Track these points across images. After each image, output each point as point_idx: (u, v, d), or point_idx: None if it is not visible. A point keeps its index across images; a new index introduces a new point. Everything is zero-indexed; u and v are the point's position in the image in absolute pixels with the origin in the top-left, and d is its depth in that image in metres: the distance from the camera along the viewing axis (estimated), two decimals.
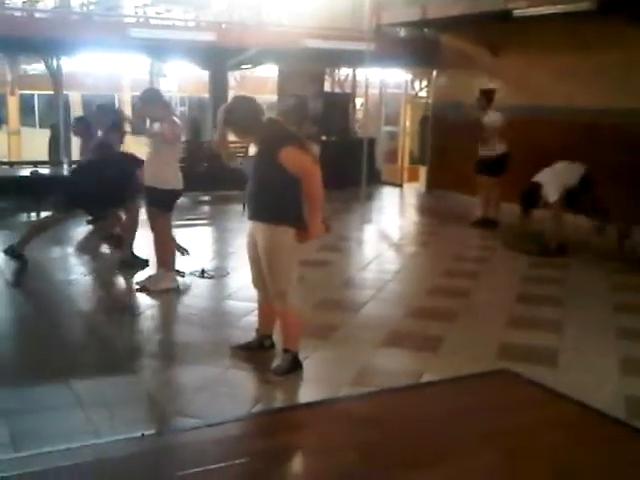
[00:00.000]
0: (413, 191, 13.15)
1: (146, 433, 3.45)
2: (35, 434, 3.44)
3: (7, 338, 5.06)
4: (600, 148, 8.91)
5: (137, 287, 6.16)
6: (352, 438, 3.33)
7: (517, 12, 9.16)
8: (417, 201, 12.49)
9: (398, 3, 11.26)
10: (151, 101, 6.01)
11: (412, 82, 14.78)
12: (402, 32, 12.82)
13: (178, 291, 6.09)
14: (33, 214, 9.24)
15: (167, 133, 5.79)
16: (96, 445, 3.31)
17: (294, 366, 4.33)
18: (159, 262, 6.19)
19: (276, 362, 4.40)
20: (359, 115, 14.62)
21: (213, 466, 3.02)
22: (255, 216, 4.33)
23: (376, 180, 13.23)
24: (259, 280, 4.46)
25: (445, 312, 5.75)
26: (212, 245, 8.57)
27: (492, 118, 9.18)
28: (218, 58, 11.33)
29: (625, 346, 5.01)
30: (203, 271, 6.60)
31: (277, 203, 4.24)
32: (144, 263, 6.75)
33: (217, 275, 6.59)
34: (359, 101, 15.66)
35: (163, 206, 6.01)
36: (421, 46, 12.12)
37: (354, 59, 11.84)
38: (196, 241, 7.74)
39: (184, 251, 6.63)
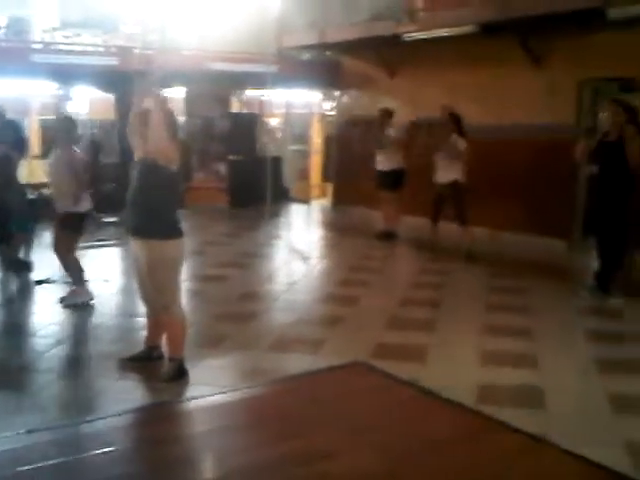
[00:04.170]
0: (320, 207, 13.57)
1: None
2: None
3: None
4: (487, 161, 9.56)
5: (59, 302, 6.35)
6: (218, 427, 3.63)
7: (407, 36, 9.74)
8: (322, 216, 12.90)
9: (299, 27, 11.71)
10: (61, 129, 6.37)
11: (322, 101, 15.29)
12: (306, 55, 13.29)
13: (91, 305, 6.34)
14: None
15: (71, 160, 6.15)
16: None
17: (180, 373, 4.60)
18: (72, 280, 6.43)
19: (163, 370, 4.66)
20: (268, 135, 14.98)
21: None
22: (140, 233, 4.58)
23: (284, 197, 13.60)
24: (146, 293, 4.72)
25: (332, 318, 6.14)
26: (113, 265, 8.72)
27: (392, 134, 9.75)
28: (123, 82, 11.49)
29: (489, 341, 5.49)
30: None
31: (159, 218, 4.52)
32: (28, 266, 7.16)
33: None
34: (275, 121, 16.11)
35: (73, 229, 6.26)
36: (322, 68, 12.62)
37: (259, 81, 12.22)
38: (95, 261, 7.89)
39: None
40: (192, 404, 4.30)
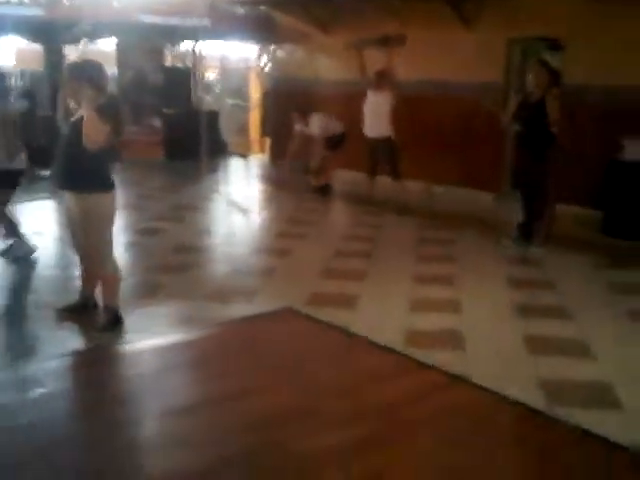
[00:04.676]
0: (258, 162, 13.60)
1: None
2: None
3: None
4: (419, 117, 9.78)
5: (1, 256, 6.34)
6: (148, 369, 3.78)
7: None
8: (259, 171, 12.95)
9: None
10: None
11: (259, 56, 15.18)
12: (240, 9, 13.15)
13: (33, 257, 6.35)
14: None
15: None
16: None
17: (115, 321, 4.69)
18: (10, 235, 6.41)
19: (98, 319, 4.75)
20: (203, 89, 14.85)
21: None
22: (68, 186, 4.60)
23: (222, 152, 13.57)
24: (78, 245, 4.77)
25: (267, 269, 6.29)
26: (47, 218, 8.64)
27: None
28: (50, 33, 11.23)
29: (418, 289, 5.74)
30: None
31: (89, 172, 4.54)
32: None
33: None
34: (211, 75, 15.95)
35: (7, 186, 6.20)
36: (255, 22, 12.53)
37: (192, 34, 12.09)
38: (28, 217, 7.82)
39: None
40: (124, 348, 4.43)
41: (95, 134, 4.38)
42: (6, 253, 6.36)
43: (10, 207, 6.46)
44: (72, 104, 4.60)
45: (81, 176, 4.53)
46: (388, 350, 3.91)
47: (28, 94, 12.09)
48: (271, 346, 3.91)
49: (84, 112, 4.37)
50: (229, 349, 4.02)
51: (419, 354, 4.18)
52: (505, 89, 9.24)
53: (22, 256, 6.32)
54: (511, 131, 7.86)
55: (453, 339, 4.66)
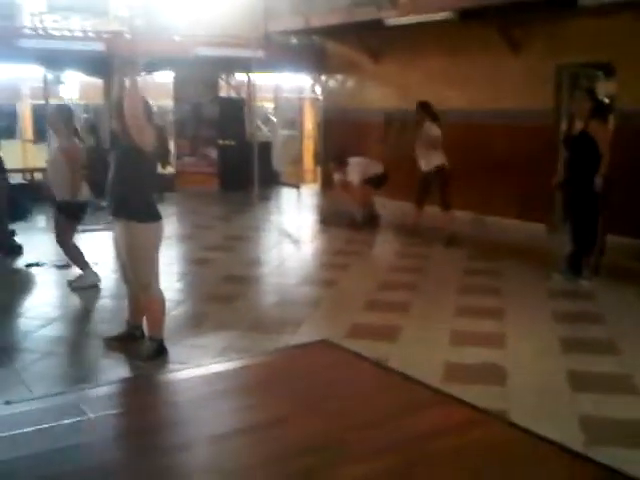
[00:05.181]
0: (310, 191, 13.73)
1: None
2: None
3: None
4: (466, 146, 9.75)
5: (68, 285, 6.58)
6: (184, 399, 3.88)
7: (389, 21, 9.88)
8: (310, 201, 13.04)
9: (285, 12, 11.84)
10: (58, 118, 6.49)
11: (313, 86, 15.42)
12: (293, 40, 13.42)
13: (97, 287, 6.58)
14: None
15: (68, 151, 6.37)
16: None
17: (159, 351, 4.81)
18: (75, 263, 6.66)
19: (143, 349, 4.87)
20: (257, 119, 15.13)
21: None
22: (118, 213, 4.76)
23: (274, 182, 13.77)
24: (125, 274, 4.92)
25: (312, 299, 6.36)
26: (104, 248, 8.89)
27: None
28: (110, 66, 11.62)
29: (461, 322, 5.70)
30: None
31: (136, 201, 4.69)
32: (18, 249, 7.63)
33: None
34: (265, 105, 16.28)
35: (71, 217, 6.48)
36: (308, 53, 12.77)
37: (246, 65, 12.38)
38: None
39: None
40: (164, 377, 4.56)
41: (142, 130, 4.51)
42: (73, 283, 6.58)
43: (75, 238, 6.70)
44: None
45: (129, 205, 4.68)
46: (422, 384, 3.91)
47: (93, 129, 12.58)
48: (304, 377, 3.97)
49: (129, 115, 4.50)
50: (264, 379, 4.10)
51: (457, 388, 4.15)
52: (555, 116, 9.16)
53: (88, 286, 6.53)
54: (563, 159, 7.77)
55: (494, 374, 4.61)
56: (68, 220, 6.50)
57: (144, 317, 5.02)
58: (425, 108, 8.73)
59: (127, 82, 4.50)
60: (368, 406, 3.52)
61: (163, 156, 4.76)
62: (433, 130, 8.62)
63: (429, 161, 8.69)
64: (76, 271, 6.70)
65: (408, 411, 3.45)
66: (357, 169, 9.63)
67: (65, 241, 6.57)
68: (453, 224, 8.75)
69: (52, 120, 6.64)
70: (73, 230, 6.62)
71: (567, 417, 3.98)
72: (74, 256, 6.63)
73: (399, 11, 9.65)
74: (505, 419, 3.63)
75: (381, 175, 9.64)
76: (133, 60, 4.74)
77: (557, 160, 8.21)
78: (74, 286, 6.53)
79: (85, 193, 6.58)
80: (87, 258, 6.69)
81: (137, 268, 4.75)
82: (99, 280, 6.63)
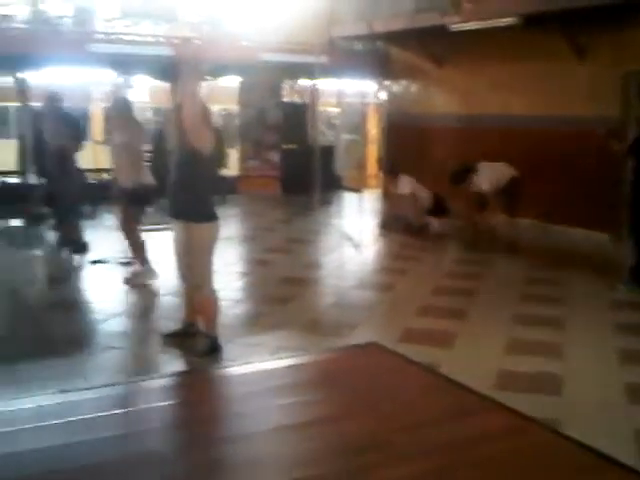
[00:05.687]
0: (371, 197, 13.71)
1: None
2: None
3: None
4: (533, 152, 9.60)
5: (124, 281, 6.76)
6: (239, 393, 3.94)
7: (452, 27, 9.81)
8: (370, 206, 13.01)
9: (349, 18, 11.89)
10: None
11: (377, 92, 15.42)
12: (358, 45, 13.45)
13: (152, 284, 6.72)
14: (0, 222, 9.77)
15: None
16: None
17: (212, 349, 4.89)
18: (136, 257, 6.84)
19: (197, 345, 4.97)
20: (320, 124, 15.22)
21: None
22: (177, 214, 4.88)
23: (336, 186, 13.81)
24: (182, 273, 5.03)
25: (367, 303, 6.37)
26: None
27: None
28: (177, 71, 11.86)
29: (518, 331, 5.61)
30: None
31: (195, 203, 4.80)
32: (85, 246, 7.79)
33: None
34: (328, 110, 16.37)
35: (137, 202, 6.65)
36: (372, 58, 12.77)
37: (310, 71, 12.46)
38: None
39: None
40: (216, 373, 4.66)
41: (200, 134, 4.60)
42: (129, 280, 6.76)
43: (141, 232, 6.88)
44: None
45: (188, 206, 4.80)
46: (470, 389, 3.88)
47: (158, 132, 12.87)
48: (353, 378, 4.00)
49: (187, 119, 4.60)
50: (314, 379, 4.16)
51: (510, 396, 4.09)
52: (622, 123, 8.91)
53: (143, 283, 6.70)
54: (628, 167, 7.57)
55: (549, 384, 4.52)
56: (133, 206, 6.67)
57: (199, 315, 5.12)
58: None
59: (188, 87, 4.62)
60: (415, 409, 3.52)
61: (220, 159, 4.84)
62: None
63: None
64: (135, 268, 6.87)
65: (455, 416, 3.44)
66: (410, 186, 9.57)
67: (130, 229, 6.76)
68: (516, 231, 8.63)
69: (116, 108, 6.85)
70: (138, 218, 6.78)
71: (622, 430, 3.87)
72: (136, 247, 6.79)
73: (462, 17, 9.57)
74: (554, 428, 3.57)
75: (514, 179, 9.02)
76: (196, 66, 4.87)
77: (623, 169, 8.01)
78: (130, 284, 6.70)
79: (148, 178, 6.73)
80: (149, 255, 6.85)
81: (193, 267, 4.85)
82: (155, 277, 6.77)
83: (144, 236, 6.94)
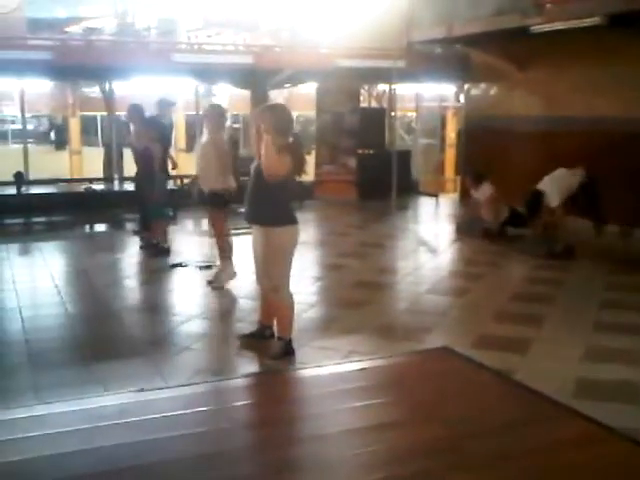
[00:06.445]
0: (448, 202, 13.58)
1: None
2: None
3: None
4: (617, 155, 9.31)
5: (207, 284, 6.97)
6: (309, 395, 3.98)
7: (534, 28, 9.62)
8: (447, 211, 12.88)
9: (428, 22, 11.82)
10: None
11: (457, 95, 15.27)
12: (437, 49, 13.36)
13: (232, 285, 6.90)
14: (87, 227, 10.18)
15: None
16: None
17: (286, 352, 4.96)
18: (221, 256, 7.01)
19: (271, 348, 5.05)
20: (398, 129, 15.20)
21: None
22: (254, 219, 4.98)
23: (413, 191, 13.75)
24: (259, 276, 5.12)
25: (441, 308, 6.32)
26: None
27: None
28: (257, 79, 12.11)
29: (598, 338, 5.46)
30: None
31: (271, 209, 4.88)
32: (166, 250, 8.04)
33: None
34: (406, 115, 16.36)
35: (221, 205, 6.84)
36: (451, 62, 12.65)
37: (387, 75, 12.47)
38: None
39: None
40: (288, 375, 4.73)
41: (273, 168, 4.70)
42: (212, 282, 6.93)
43: (229, 234, 7.05)
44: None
45: (265, 211, 4.89)
46: (544, 396, 3.80)
47: (231, 138, 13.14)
48: (424, 382, 3.99)
49: (263, 151, 4.71)
50: (384, 382, 4.18)
51: (588, 405, 3.99)
52: None
53: (225, 284, 6.86)
54: None
55: (629, 392, 4.39)
56: (217, 209, 6.84)
57: (274, 318, 5.20)
58: None
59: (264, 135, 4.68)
60: (486, 415, 3.48)
61: (298, 164, 4.89)
62: None
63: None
64: (218, 269, 7.03)
65: (526, 423, 3.38)
66: (490, 192, 9.50)
67: (218, 231, 6.94)
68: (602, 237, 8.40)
69: (207, 114, 7.03)
70: (224, 220, 6.95)
71: None
72: (223, 247, 6.95)
73: (544, 18, 9.37)
74: (632, 438, 3.45)
75: (585, 184, 8.70)
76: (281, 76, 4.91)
77: None
78: (213, 286, 6.87)
79: (231, 183, 6.87)
80: (233, 256, 7.00)
81: (271, 270, 4.93)
82: (235, 276, 6.93)
83: (231, 238, 7.11)
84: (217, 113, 6.92)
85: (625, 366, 4.85)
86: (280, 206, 4.91)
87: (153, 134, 8.19)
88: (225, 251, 6.98)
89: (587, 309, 6.25)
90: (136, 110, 8.47)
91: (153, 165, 8.19)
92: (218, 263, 7.13)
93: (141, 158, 8.29)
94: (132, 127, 8.74)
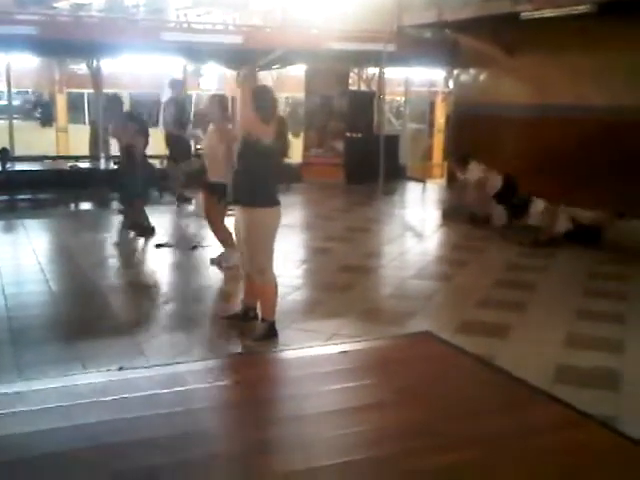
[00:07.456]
0: (435, 187, 13.60)
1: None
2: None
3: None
4: (606, 142, 9.33)
5: (210, 262, 6.96)
6: (289, 376, 4.00)
7: (524, 15, 9.60)
8: (433, 196, 12.89)
9: (418, 6, 11.77)
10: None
11: (446, 80, 15.22)
12: (427, 34, 13.31)
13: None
14: (72, 205, 10.12)
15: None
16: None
17: (269, 333, 4.97)
18: (223, 243, 6.96)
19: (254, 329, 5.06)
20: (386, 113, 15.16)
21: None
22: (239, 200, 4.97)
23: (400, 176, 13.74)
24: (244, 257, 5.12)
25: (425, 293, 6.34)
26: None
27: None
28: (246, 59, 12.02)
29: (579, 325, 5.51)
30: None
31: (256, 189, 4.88)
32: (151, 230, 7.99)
33: None
34: (394, 99, 16.31)
35: (222, 196, 6.78)
36: (440, 46, 12.60)
37: (377, 59, 12.42)
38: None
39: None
40: (269, 356, 4.77)
41: (249, 124, 4.68)
42: (214, 261, 6.93)
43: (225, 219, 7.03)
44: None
45: (250, 192, 4.87)
46: (523, 382, 3.83)
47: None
48: (404, 366, 4.02)
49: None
50: (365, 365, 4.21)
51: (566, 391, 4.03)
52: None
53: (226, 266, 6.82)
54: None
55: (607, 379, 4.43)
56: (220, 201, 6.78)
57: (258, 299, 5.20)
58: None
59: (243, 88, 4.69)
60: (462, 399, 3.51)
61: (283, 148, 4.89)
62: None
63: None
64: (215, 250, 7.01)
65: (504, 407, 3.41)
66: (477, 171, 9.54)
67: (216, 222, 6.91)
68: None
69: (209, 106, 6.96)
70: (224, 211, 6.92)
71: None
72: (223, 238, 6.92)
73: (534, 4, 9.35)
74: (608, 424, 3.50)
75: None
76: (252, 68, 4.96)
77: None
78: (222, 266, 6.83)
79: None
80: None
81: (254, 252, 4.93)
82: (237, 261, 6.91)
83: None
84: (220, 104, 6.79)
85: (606, 353, 4.90)
86: (265, 187, 4.91)
87: (134, 128, 8.09)
88: (226, 240, 6.92)
89: (571, 297, 6.29)
90: (115, 102, 8.42)
91: (135, 163, 8.09)
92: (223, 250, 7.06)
93: (124, 154, 8.19)
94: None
